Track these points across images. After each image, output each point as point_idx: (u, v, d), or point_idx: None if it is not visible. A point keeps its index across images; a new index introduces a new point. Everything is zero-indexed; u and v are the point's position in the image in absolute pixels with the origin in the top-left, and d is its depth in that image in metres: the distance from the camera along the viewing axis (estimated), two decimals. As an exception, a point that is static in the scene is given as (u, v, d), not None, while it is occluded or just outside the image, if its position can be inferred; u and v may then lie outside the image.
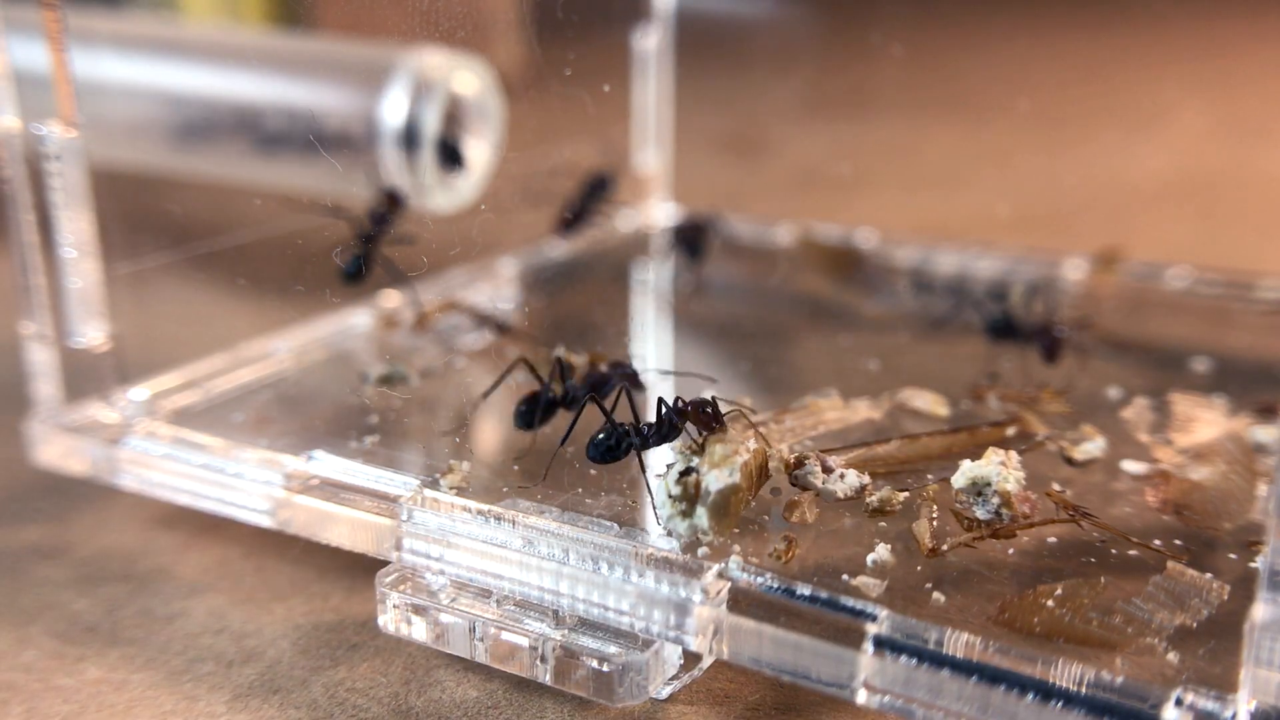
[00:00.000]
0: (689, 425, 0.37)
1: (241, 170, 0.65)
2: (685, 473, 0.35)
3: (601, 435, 0.37)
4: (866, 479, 0.38)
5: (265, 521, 0.40)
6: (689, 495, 0.35)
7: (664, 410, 0.37)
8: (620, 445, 0.37)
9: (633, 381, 0.42)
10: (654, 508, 0.36)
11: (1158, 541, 0.36)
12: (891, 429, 0.44)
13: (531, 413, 0.41)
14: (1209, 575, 0.33)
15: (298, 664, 0.38)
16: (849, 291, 0.63)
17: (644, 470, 0.37)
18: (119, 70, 0.66)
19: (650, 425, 0.37)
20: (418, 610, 0.36)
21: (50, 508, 0.48)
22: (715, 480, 0.34)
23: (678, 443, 0.37)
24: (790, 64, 0.78)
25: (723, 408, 0.37)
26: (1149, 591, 0.33)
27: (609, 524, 0.36)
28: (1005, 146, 0.88)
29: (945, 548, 0.35)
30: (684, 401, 0.37)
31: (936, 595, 0.33)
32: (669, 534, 0.35)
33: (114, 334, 0.46)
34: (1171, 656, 0.30)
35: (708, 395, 0.37)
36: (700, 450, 0.35)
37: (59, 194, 0.44)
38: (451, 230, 0.58)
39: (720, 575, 0.33)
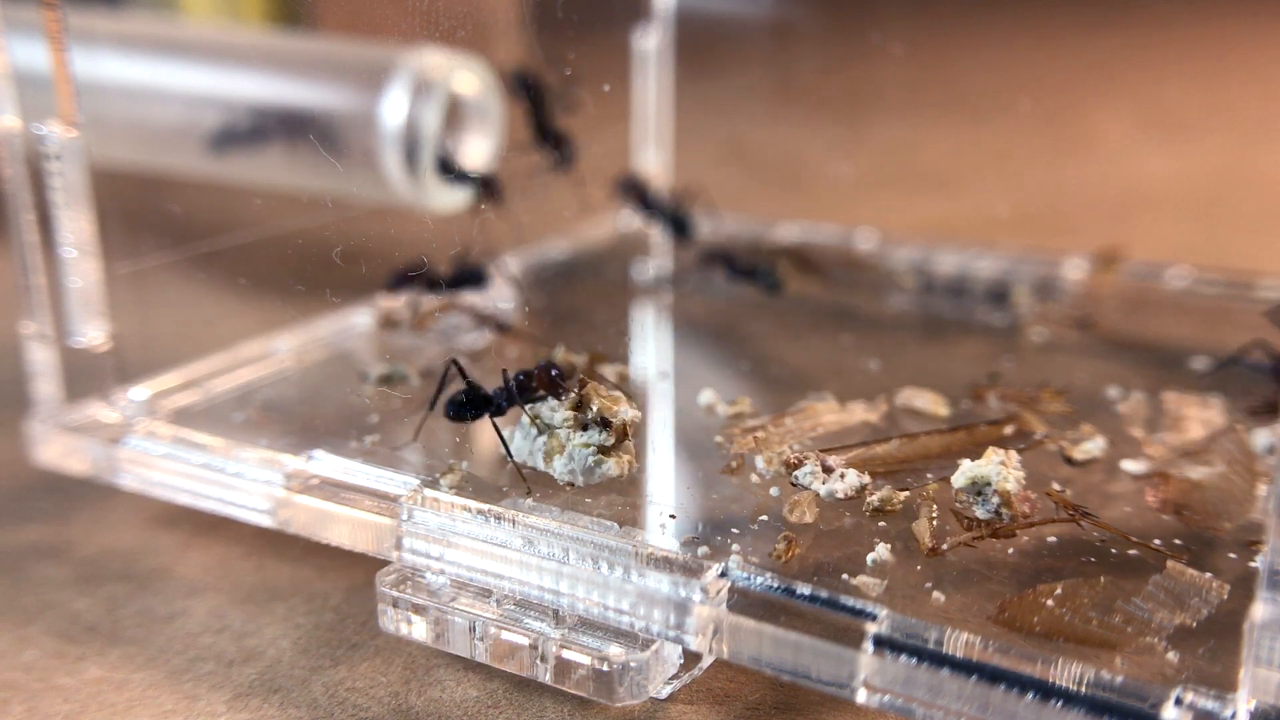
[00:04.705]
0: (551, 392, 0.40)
1: (274, 174, 0.65)
2: (604, 423, 0.38)
3: (457, 395, 0.40)
4: (866, 479, 0.38)
5: (265, 521, 0.40)
6: (620, 437, 0.38)
7: (512, 378, 0.40)
8: (473, 405, 0.40)
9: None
10: (577, 469, 0.38)
11: (1158, 541, 0.36)
12: (891, 429, 0.44)
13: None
14: (1209, 575, 0.33)
15: (298, 663, 0.38)
16: (848, 291, 0.63)
17: (499, 433, 0.40)
18: (119, 70, 0.66)
19: (501, 390, 0.40)
20: (418, 610, 0.36)
21: (50, 507, 0.48)
22: (628, 412, 0.38)
23: (560, 417, 0.39)
24: (790, 64, 0.78)
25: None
26: (1149, 591, 0.33)
27: (609, 523, 0.36)
28: (1005, 146, 0.88)
29: (945, 547, 0.35)
30: (528, 370, 0.40)
31: (936, 595, 0.33)
32: (572, 478, 0.38)
33: (114, 334, 0.46)
34: (1171, 656, 0.30)
35: (544, 361, 0.40)
36: (578, 407, 0.38)
37: (59, 194, 0.44)
38: (451, 230, 0.58)
39: (720, 574, 0.33)
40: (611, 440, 0.38)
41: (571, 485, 0.38)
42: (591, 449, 0.38)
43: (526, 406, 0.39)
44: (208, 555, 0.44)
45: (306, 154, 0.64)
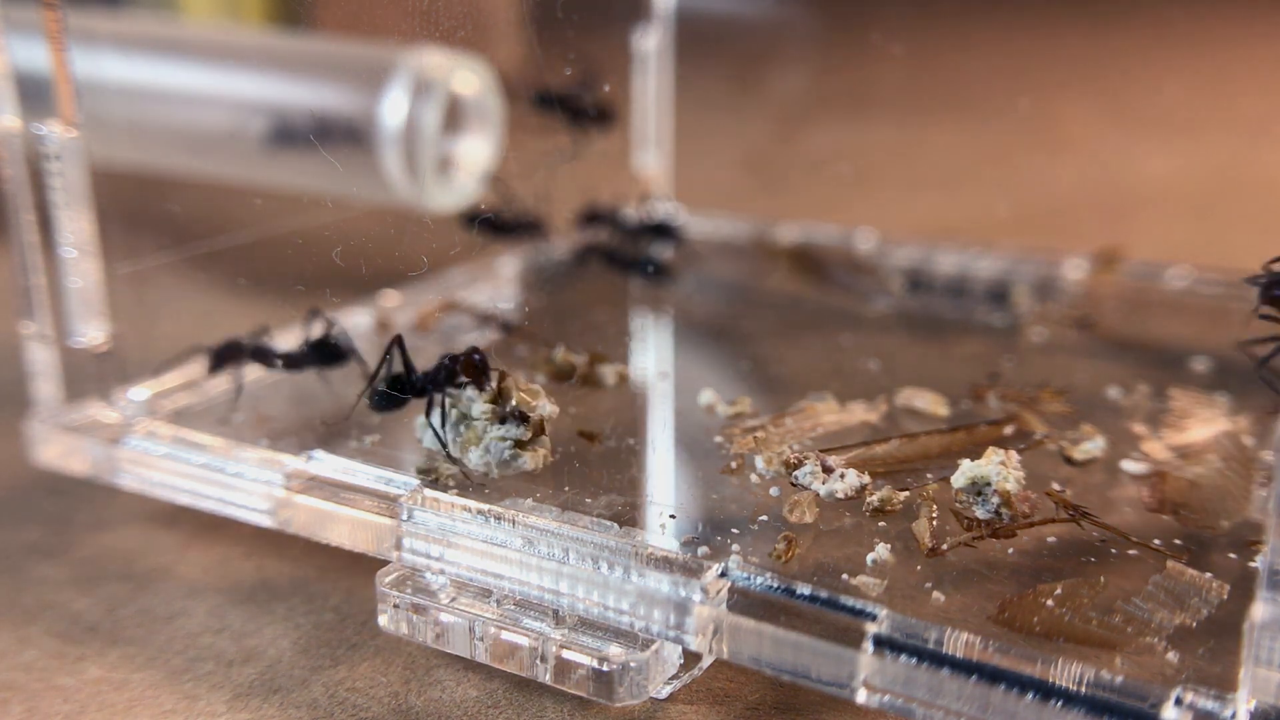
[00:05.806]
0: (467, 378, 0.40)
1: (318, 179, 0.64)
2: (522, 418, 0.39)
3: (381, 387, 0.41)
4: (866, 479, 0.38)
5: (265, 521, 0.40)
6: (537, 431, 0.39)
7: (444, 362, 0.40)
8: (399, 393, 0.40)
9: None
10: (492, 461, 0.38)
11: (1157, 541, 0.36)
12: (891, 429, 0.44)
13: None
14: (1208, 575, 0.33)
15: (298, 664, 0.38)
16: (842, 292, 0.63)
17: (429, 417, 0.40)
18: (119, 70, 0.66)
19: (426, 374, 0.40)
20: (418, 610, 0.36)
21: (50, 507, 0.48)
22: (546, 407, 0.39)
23: (478, 409, 0.39)
24: (790, 64, 0.78)
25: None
26: (1149, 591, 0.33)
27: (609, 524, 0.36)
28: (1005, 146, 0.87)
29: (945, 547, 0.35)
30: (454, 355, 0.40)
31: (936, 595, 0.33)
32: (487, 470, 0.38)
33: (114, 334, 0.46)
34: (1171, 656, 0.30)
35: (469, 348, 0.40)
36: (496, 400, 0.39)
37: (59, 194, 0.44)
38: (451, 230, 0.58)
39: (720, 574, 0.33)
40: (528, 435, 0.38)
41: (486, 475, 0.39)
42: (508, 442, 0.38)
43: (448, 393, 0.40)
44: (208, 555, 0.44)
45: (314, 155, 0.64)
